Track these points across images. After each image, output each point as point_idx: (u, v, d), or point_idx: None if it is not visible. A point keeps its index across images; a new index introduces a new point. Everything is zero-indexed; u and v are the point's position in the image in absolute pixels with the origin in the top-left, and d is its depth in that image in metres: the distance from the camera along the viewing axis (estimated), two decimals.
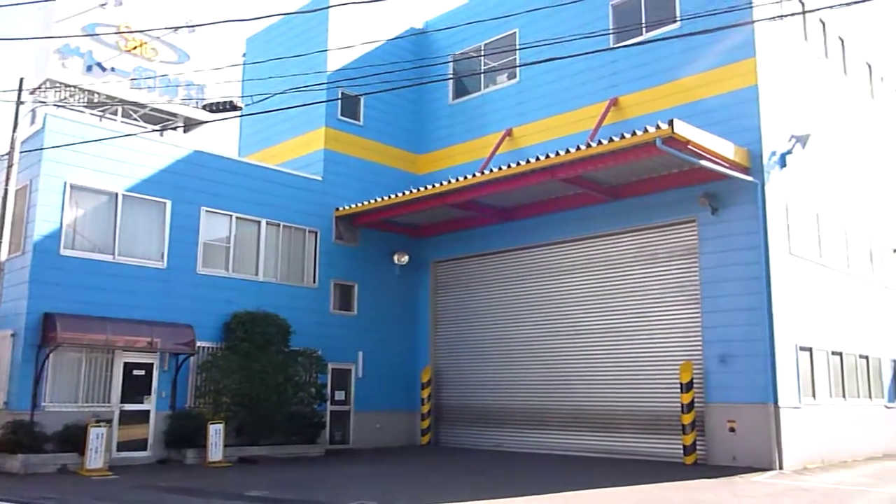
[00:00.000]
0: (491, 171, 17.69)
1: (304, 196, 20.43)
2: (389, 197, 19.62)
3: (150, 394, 17.02)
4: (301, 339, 19.06)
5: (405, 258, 21.79)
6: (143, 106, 22.23)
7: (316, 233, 20.56)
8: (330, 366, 20.03)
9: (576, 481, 13.45)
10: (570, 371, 19.02)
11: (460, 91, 22.80)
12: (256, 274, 19.25)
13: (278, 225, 19.81)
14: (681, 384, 16.24)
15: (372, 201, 20.00)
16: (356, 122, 21.96)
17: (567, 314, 19.29)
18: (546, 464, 16.71)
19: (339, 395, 20.48)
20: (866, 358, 19.51)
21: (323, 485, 13.69)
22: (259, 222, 19.47)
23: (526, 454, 18.61)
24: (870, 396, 19.47)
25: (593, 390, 18.45)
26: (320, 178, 20.88)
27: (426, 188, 18.83)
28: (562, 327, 19.35)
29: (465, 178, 17.87)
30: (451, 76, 22.60)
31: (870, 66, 22.61)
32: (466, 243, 21.63)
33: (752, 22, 15.87)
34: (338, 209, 20.83)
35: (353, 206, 20.51)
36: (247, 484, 13.23)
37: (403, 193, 19.35)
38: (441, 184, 18.45)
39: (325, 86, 20.35)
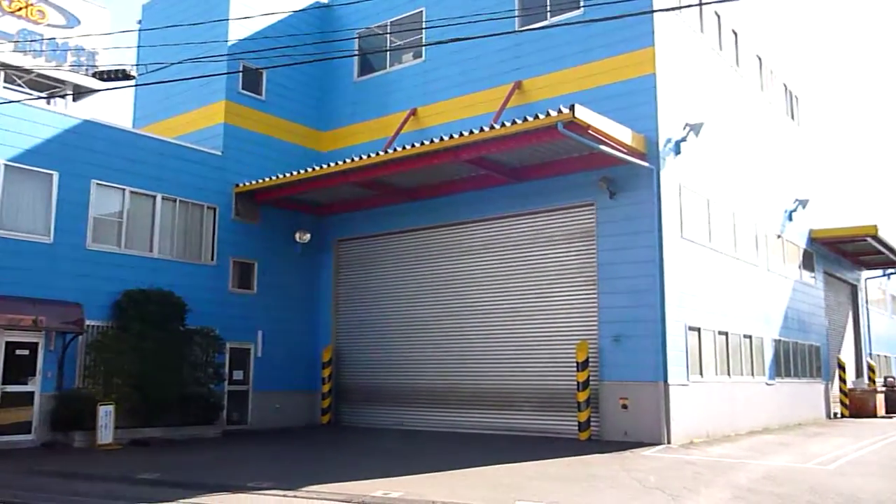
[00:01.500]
0: (395, 150, 17.61)
1: (202, 171, 19.82)
2: (291, 174, 19.27)
3: (34, 374, 16.24)
4: (198, 317, 18.56)
5: (307, 236, 21.48)
6: (27, 71, 21.01)
7: (215, 209, 20.00)
8: (228, 345, 19.60)
9: (475, 458, 13.65)
10: (470, 350, 19.24)
11: (365, 68, 22.54)
12: (151, 250, 18.60)
13: (175, 200, 19.16)
14: (577, 363, 16.69)
15: (273, 178, 19.59)
16: (258, 97, 21.41)
17: (468, 294, 19.48)
18: (447, 441, 16.90)
19: (238, 375, 20.09)
20: (750, 338, 20.53)
21: (219, 466, 13.42)
22: (154, 197, 18.79)
23: (427, 432, 18.76)
24: (752, 374, 20.51)
25: (493, 369, 18.74)
26: (220, 153, 20.29)
27: (329, 166, 18.60)
28: (463, 307, 19.53)
29: (369, 156, 17.72)
30: (356, 53, 22.31)
31: (760, 60, 23.63)
32: (370, 222, 21.50)
33: (652, 12, 16.36)
34: (237, 185, 20.32)
35: (254, 182, 20.05)
36: (138, 467, 12.83)
37: (306, 171, 19.05)
38: (344, 162, 18.24)
39: (225, 58, 19.82)
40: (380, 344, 21.08)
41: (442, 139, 16.42)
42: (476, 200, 19.28)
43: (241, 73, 20.74)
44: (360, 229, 21.80)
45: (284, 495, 10.09)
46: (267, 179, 19.73)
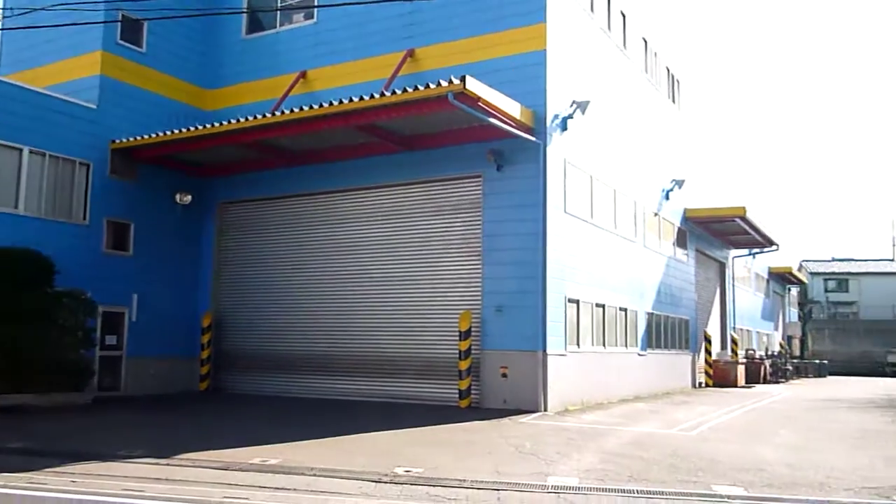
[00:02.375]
0: (283, 112, 17.19)
1: (75, 125, 18.74)
2: (173, 132, 18.48)
3: None
4: (68, 279, 17.58)
5: (188, 198, 20.74)
6: None
7: (88, 165, 18.99)
8: (100, 309, 18.70)
9: (355, 425, 13.69)
10: (355, 318, 19.19)
11: (254, 26, 21.81)
12: (16, 207, 17.51)
13: (44, 154, 18.07)
14: (459, 332, 16.94)
15: (153, 136, 18.75)
16: (138, 49, 20.37)
17: (354, 262, 19.39)
18: (328, 409, 16.85)
19: (111, 340, 19.27)
20: (625, 311, 21.40)
21: (90, 434, 12.89)
22: (21, 150, 17.65)
23: (310, 400, 18.63)
24: (626, 346, 21.42)
25: (377, 337, 18.78)
26: (94, 107, 19.22)
27: (213, 126, 17.96)
28: (349, 275, 19.42)
29: (256, 118, 17.25)
30: (244, 10, 21.55)
31: (646, 42, 24.40)
32: (255, 186, 20.98)
33: None
34: (114, 142, 19.33)
35: (132, 139, 19.14)
36: (4, 435, 12.12)
37: (188, 129, 18.34)
38: (230, 122, 17.65)
39: (102, 5, 18.66)
40: (263, 310, 20.72)
41: (331, 104, 16.14)
42: (365, 167, 19.13)
43: (119, 23, 19.65)
44: (246, 192, 21.25)
45: (157, 463, 9.80)
46: (146, 137, 18.88)
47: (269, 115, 17.32)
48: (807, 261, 70.60)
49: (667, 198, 25.79)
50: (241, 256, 21.40)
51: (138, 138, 19.00)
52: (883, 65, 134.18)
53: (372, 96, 15.68)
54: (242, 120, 17.39)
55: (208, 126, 18.03)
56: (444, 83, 14.63)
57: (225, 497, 8.04)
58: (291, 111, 16.83)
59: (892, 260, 71.65)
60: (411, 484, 8.79)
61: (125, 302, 19.55)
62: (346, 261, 19.53)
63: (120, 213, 19.62)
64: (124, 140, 19.21)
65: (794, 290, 59.29)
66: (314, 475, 9.14)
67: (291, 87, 19.99)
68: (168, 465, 9.72)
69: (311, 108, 16.45)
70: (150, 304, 20.04)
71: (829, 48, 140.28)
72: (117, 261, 19.49)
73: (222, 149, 19.30)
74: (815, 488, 8.99)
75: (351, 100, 15.87)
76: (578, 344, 18.16)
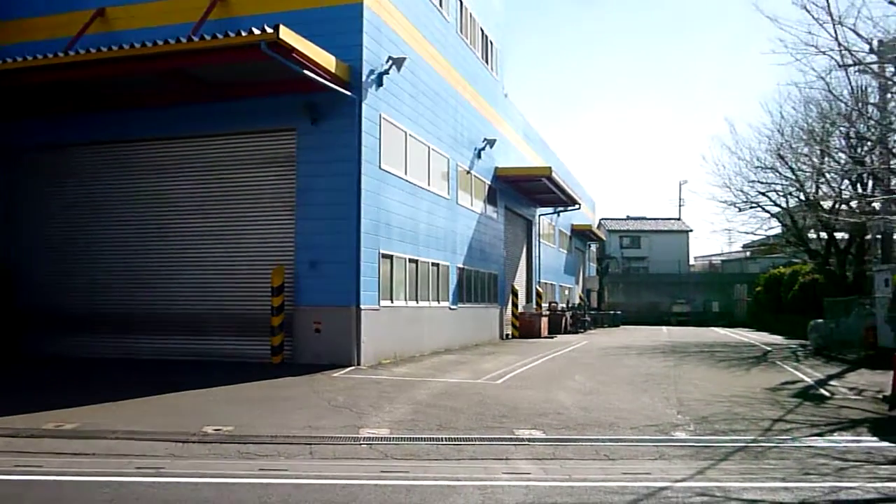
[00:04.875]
0: (77, 52, 15.87)
1: None
2: None
3: None
4: None
5: None
6: None
7: None
8: None
9: (163, 384, 13.16)
10: (164, 274, 18.35)
11: None
12: None
13: None
14: (272, 288, 16.69)
15: None
16: None
17: (164, 216, 18.46)
18: (135, 369, 16.06)
19: None
20: (437, 266, 21.97)
21: None
22: None
23: (115, 360, 17.64)
24: (438, 300, 22.04)
25: (187, 294, 18.10)
26: None
27: None
28: (155, 228, 18.49)
29: (46, 56, 15.78)
30: None
31: (461, 2, 24.73)
32: (51, 132, 19.31)
33: None
34: None
35: None
36: None
37: None
38: (15, 60, 16.03)
39: None
40: (66, 267, 19.24)
41: (133, 46, 15.08)
42: (172, 117, 18.15)
43: None
44: (40, 139, 19.50)
45: None
46: None
47: (61, 54, 15.92)
48: (605, 219, 75.57)
49: (479, 156, 26.56)
50: (38, 208, 19.67)
51: None
52: (675, 31, 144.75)
53: (178, 40, 14.80)
54: (31, 58, 15.84)
55: None
56: (257, 31, 14.09)
57: (16, 466, 7.54)
58: (88, 51, 15.55)
59: (678, 219, 78.23)
60: (221, 442, 8.66)
61: None
62: (155, 214, 18.55)
63: None
64: None
65: (594, 247, 63.40)
66: (116, 438, 8.77)
67: (88, 24, 18.46)
68: None
69: (110, 49, 15.28)
70: None
71: (633, 14, 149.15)
72: None
73: (7, 89, 17.54)
74: (605, 428, 9.83)
75: (156, 43, 14.89)
76: (392, 299, 18.46)
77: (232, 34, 14.39)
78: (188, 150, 18.37)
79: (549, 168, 30.62)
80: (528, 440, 9.03)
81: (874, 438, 9.45)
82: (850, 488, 7.01)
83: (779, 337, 35.06)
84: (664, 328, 49.50)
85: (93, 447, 8.34)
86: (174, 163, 18.51)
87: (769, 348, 26.76)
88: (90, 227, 19.16)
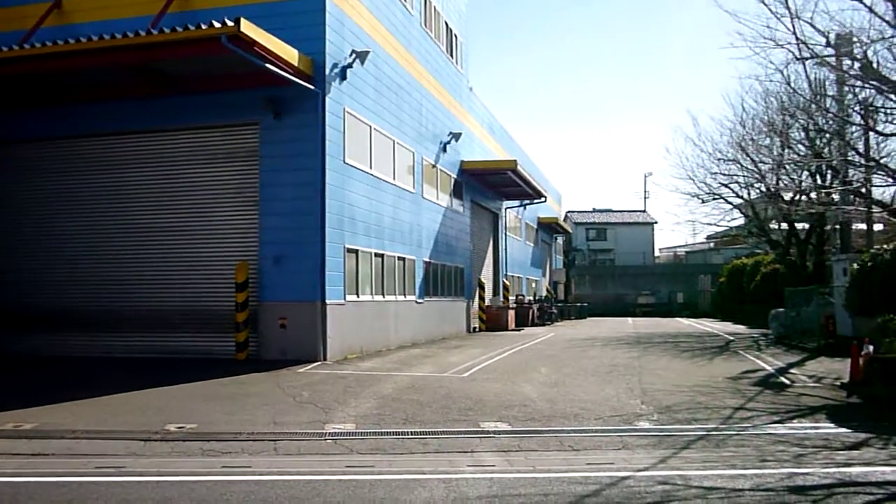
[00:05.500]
0: (33, 45, 15.56)
1: None
2: None
3: None
4: None
5: None
6: None
7: None
8: None
9: (125, 382, 12.98)
10: (127, 271, 18.09)
11: None
12: None
13: None
14: (236, 283, 16.55)
15: None
16: None
17: (125, 211, 18.21)
18: (98, 367, 15.84)
19: None
20: (403, 260, 21.94)
21: None
22: None
23: (78, 358, 17.34)
24: (404, 294, 22.02)
25: (150, 291, 17.86)
26: None
27: None
28: (120, 224, 18.23)
29: (2, 49, 15.46)
30: None
31: None
32: (11, 127, 18.90)
33: None
34: None
35: None
36: None
37: None
38: None
39: None
40: (25, 263, 18.85)
41: (91, 39, 14.82)
42: (136, 111, 17.90)
43: None
44: (1, 134, 19.09)
45: None
46: None
47: (15, 47, 15.58)
48: (571, 212, 76.09)
49: (444, 150, 26.56)
50: None
51: None
52: (640, 23, 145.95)
53: (137, 33, 14.59)
54: None
55: None
56: (217, 24, 13.94)
57: None
58: (44, 44, 15.26)
59: (644, 211, 79.05)
60: (184, 440, 8.57)
61: None
62: (117, 210, 18.28)
63: None
64: None
65: (560, 239, 63.80)
66: (75, 437, 8.64)
67: (44, 17, 18.10)
68: None
69: (66, 42, 15.00)
70: None
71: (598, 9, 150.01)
72: None
73: None
74: (570, 419, 9.90)
75: (114, 36, 14.66)
76: (357, 293, 18.40)
77: (192, 27, 14.22)
78: (150, 144, 18.12)
79: (515, 161, 30.73)
80: (494, 432, 9.06)
81: (831, 425, 9.64)
82: (807, 474, 7.15)
83: (741, 326, 35.61)
84: (630, 319, 50.01)
85: (52, 447, 8.21)
86: (136, 157, 18.24)
87: (732, 338, 27.17)
88: (54, 224, 18.81)
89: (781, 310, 24.93)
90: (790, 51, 13.92)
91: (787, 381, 14.06)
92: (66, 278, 18.63)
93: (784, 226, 29.47)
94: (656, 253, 78.06)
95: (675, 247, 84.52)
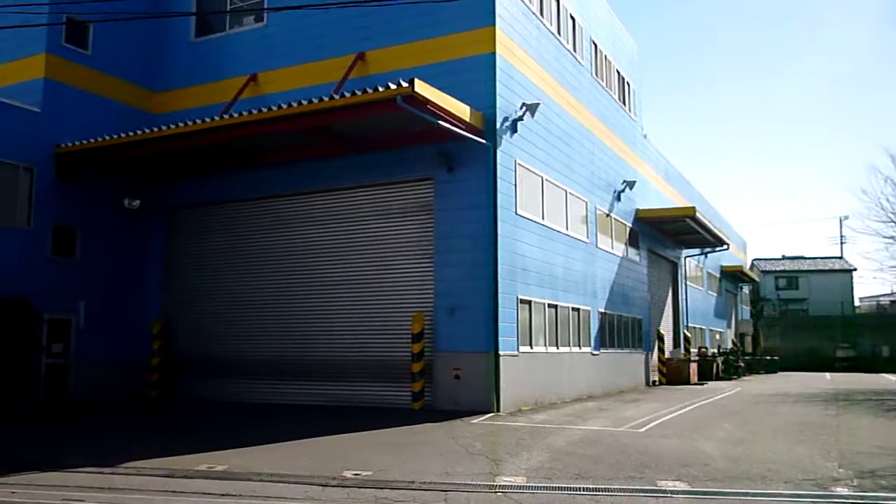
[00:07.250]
0: (231, 116, 17.04)
1: (17, 128, 18.34)
2: (120, 136, 18.19)
3: None
4: (11, 285, 17.26)
5: (136, 202, 20.44)
6: None
7: (31, 169, 18.59)
8: (46, 316, 18.37)
9: (305, 429, 13.61)
10: (307, 322, 19.09)
11: (204, 29, 21.59)
12: None
13: None
14: (412, 334, 16.96)
15: (99, 139, 18.44)
16: (83, 51, 20.02)
17: (306, 266, 19.29)
18: (280, 414, 16.72)
19: (57, 348, 18.89)
20: (578, 310, 21.61)
21: (32, 443, 12.62)
22: None
23: (262, 405, 18.48)
24: (579, 345, 21.63)
25: (329, 341, 18.70)
26: (38, 110, 18.84)
27: (162, 129, 17.71)
28: (300, 279, 19.32)
29: (204, 121, 17.06)
30: (193, 12, 21.31)
31: (595, 45, 24.68)
32: (206, 190, 20.76)
33: None
34: (59, 146, 18.96)
35: (78, 143, 18.78)
36: None
37: (136, 133, 18.04)
38: (178, 125, 17.44)
39: (46, 7, 18.30)
40: (215, 316, 20.48)
41: (281, 107, 16.05)
42: (316, 171, 19.06)
43: (64, 26, 19.28)
44: (196, 197, 21.01)
45: (101, 472, 9.65)
46: (92, 140, 18.56)
47: (216, 118, 17.13)
48: (758, 259, 72.05)
49: (618, 199, 26.13)
50: (191, 261, 21.14)
51: (84, 142, 18.65)
52: (831, 66, 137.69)
53: (321, 99, 15.63)
54: (191, 123, 17.18)
55: (156, 130, 17.78)
56: (393, 86, 14.64)
57: None
58: (241, 114, 16.70)
59: (840, 257, 73.47)
60: (358, 487, 8.79)
61: (71, 308, 19.17)
62: (298, 265, 19.43)
63: (65, 218, 19.25)
64: (69, 144, 18.84)
65: (746, 289, 60.46)
66: (261, 480, 9.09)
67: (242, 89, 19.83)
68: (112, 473, 9.57)
69: (260, 111, 16.33)
70: (98, 310, 19.69)
71: (785, 51, 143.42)
72: (63, 267, 19.12)
73: (171, 153, 19.06)
74: (755, 481, 9.20)
75: (301, 103, 15.80)
76: (531, 344, 18.29)
77: (370, 90, 15.01)
78: (329, 202, 19.17)
79: (693, 208, 29.67)
80: (671, 492, 8.59)
81: None
82: None
83: None
84: (827, 374, 46.17)
85: (239, 489, 8.68)
86: (316, 215, 19.35)
87: None
88: (239, 279, 20.28)
89: None
90: None
91: None
92: (247, 329, 19.94)
93: None
94: (856, 302, 71.95)
95: (878, 296, 77.46)
